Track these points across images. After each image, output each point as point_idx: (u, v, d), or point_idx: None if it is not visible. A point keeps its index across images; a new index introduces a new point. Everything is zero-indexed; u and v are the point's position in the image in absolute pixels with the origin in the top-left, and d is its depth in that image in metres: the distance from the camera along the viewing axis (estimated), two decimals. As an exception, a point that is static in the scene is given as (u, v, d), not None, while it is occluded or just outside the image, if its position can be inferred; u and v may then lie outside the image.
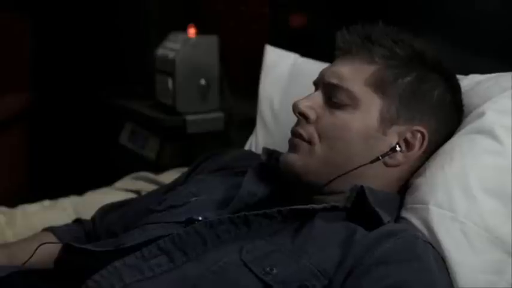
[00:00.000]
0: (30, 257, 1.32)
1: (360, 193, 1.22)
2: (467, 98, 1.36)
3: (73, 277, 1.14)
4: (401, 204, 1.30)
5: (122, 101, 2.62)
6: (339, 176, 1.26)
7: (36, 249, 1.31)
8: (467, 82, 1.41)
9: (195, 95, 2.35)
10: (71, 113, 2.92)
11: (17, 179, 2.83)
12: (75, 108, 2.91)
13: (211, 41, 2.36)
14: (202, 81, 2.35)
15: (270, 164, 1.39)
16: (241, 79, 2.38)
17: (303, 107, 1.30)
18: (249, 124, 1.94)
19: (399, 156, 1.28)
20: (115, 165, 2.40)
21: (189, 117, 2.34)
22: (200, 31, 2.37)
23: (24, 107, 2.85)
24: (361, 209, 1.21)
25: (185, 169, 1.86)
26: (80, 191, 1.81)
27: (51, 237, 1.49)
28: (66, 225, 1.55)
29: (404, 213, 1.28)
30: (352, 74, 1.29)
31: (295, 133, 1.31)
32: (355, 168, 1.26)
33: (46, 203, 1.77)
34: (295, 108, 1.30)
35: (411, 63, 1.30)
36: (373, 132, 1.27)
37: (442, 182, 1.24)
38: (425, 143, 1.28)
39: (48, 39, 2.90)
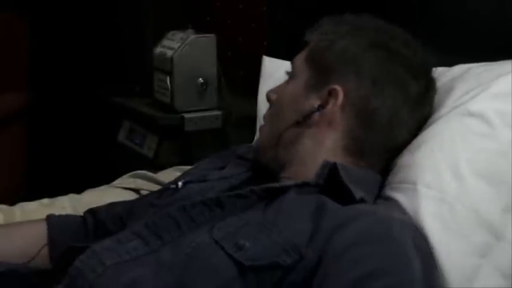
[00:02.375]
0: (32, 259, 1.31)
1: (332, 169, 1.21)
2: (458, 82, 1.36)
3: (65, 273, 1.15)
4: (383, 184, 1.30)
5: (120, 99, 2.62)
6: (277, 146, 1.34)
7: (39, 251, 1.31)
8: (457, 70, 1.41)
9: (193, 93, 2.35)
10: (69, 111, 2.93)
11: (16, 177, 2.84)
12: (74, 107, 2.92)
13: (210, 40, 2.36)
14: (201, 80, 2.35)
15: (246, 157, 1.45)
16: (239, 77, 2.39)
17: (268, 91, 1.43)
18: (247, 122, 1.95)
19: (316, 116, 1.32)
20: (113, 164, 2.40)
21: (187, 116, 2.34)
22: (198, 30, 2.38)
23: (23, 105, 2.86)
24: (334, 186, 1.20)
25: (183, 167, 1.87)
26: (78, 189, 1.82)
27: (43, 227, 1.46)
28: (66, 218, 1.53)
29: (390, 192, 1.26)
30: (300, 54, 1.39)
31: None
32: (281, 134, 1.34)
33: (45, 201, 1.77)
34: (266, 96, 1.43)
35: (347, 34, 1.36)
36: (298, 98, 1.35)
37: (432, 164, 1.24)
38: (340, 98, 1.30)
39: (47, 38, 2.91)
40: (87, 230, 1.47)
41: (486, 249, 1.19)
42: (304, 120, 1.32)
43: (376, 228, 1.10)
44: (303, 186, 1.21)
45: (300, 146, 1.32)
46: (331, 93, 1.31)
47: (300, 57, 1.39)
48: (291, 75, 1.39)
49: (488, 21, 1.54)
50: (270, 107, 1.41)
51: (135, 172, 1.94)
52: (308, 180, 1.22)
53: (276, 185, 1.22)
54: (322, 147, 1.31)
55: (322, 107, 1.31)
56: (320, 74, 1.34)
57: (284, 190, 1.20)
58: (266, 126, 1.40)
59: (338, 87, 1.30)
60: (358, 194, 1.18)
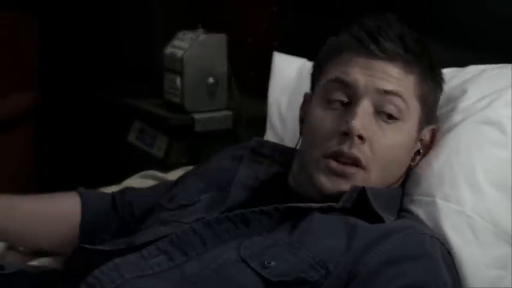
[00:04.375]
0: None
1: (361, 193, 1.21)
2: (471, 86, 1.35)
3: (80, 278, 1.14)
4: (403, 194, 1.30)
5: (130, 100, 2.61)
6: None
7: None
8: (470, 71, 1.40)
9: (203, 93, 2.35)
10: (78, 111, 2.92)
11: (25, 177, 2.84)
12: (83, 107, 2.91)
13: (220, 40, 2.35)
14: (211, 80, 2.34)
15: (261, 152, 1.38)
16: (250, 78, 2.38)
17: (361, 127, 1.21)
18: (257, 122, 1.94)
19: (418, 157, 1.30)
20: (123, 164, 2.40)
21: (197, 116, 2.34)
22: (208, 29, 2.37)
23: (31, 105, 2.85)
24: (362, 210, 1.20)
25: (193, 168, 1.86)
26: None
27: (76, 199, 1.49)
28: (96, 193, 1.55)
29: (410, 205, 1.27)
30: (403, 84, 1.24)
31: (350, 157, 1.22)
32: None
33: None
34: (353, 131, 1.21)
35: (430, 70, 1.30)
36: (413, 142, 1.28)
37: (449, 175, 1.24)
38: (435, 138, 1.30)
39: (55, 38, 2.91)
40: (117, 211, 1.49)
41: (507, 260, 1.19)
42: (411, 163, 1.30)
43: (409, 245, 1.12)
44: (328, 209, 1.20)
45: (395, 182, 1.31)
46: (429, 134, 1.31)
47: (407, 87, 1.25)
48: (397, 115, 1.24)
49: (501, 18, 1.53)
50: (367, 147, 1.23)
51: (145, 172, 1.94)
52: (334, 204, 1.20)
53: (302, 205, 1.20)
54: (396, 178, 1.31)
55: (425, 148, 1.31)
56: (429, 114, 1.30)
57: (308, 211, 1.19)
58: (375, 174, 1.24)
59: (436, 128, 1.31)
60: (388, 218, 1.20)
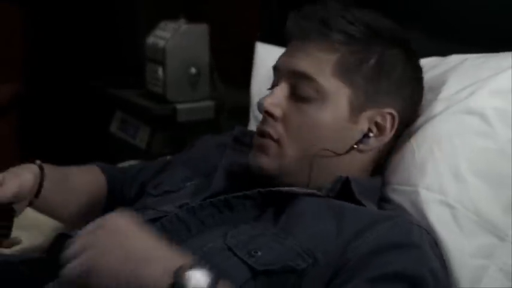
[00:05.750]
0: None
1: (345, 184, 1.21)
2: (453, 75, 1.34)
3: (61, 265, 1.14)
4: (382, 183, 1.30)
5: (112, 90, 2.61)
6: (311, 172, 1.23)
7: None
8: (453, 60, 1.40)
9: (185, 83, 2.35)
10: (62, 101, 2.92)
11: (8, 167, 2.82)
12: (66, 97, 2.90)
13: (202, 30, 2.35)
14: (193, 70, 2.34)
15: (243, 140, 1.38)
16: (232, 67, 2.38)
17: (268, 105, 1.25)
18: (239, 112, 1.94)
19: (372, 141, 1.27)
20: (106, 154, 2.39)
21: (180, 106, 2.34)
22: (190, 19, 2.37)
23: (16, 95, 2.84)
24: (345, 198, 1.20)
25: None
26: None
27: (98, 171, 1.55)
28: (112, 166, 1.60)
29: (391, 194, 1.28)
30: (318, 65, 1.24)
31: (263, 133, 1.26)
32: (331, 159, 1.24)
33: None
34: (260, 107, 1.26)
35: (370, 43, 1.26)
36: (344, 123, 1.24)
37: (432, 165, 1.24)
38: (396, 123, 1.27)
39: (40, 29, 2.89)
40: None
41: (490, 250, 1.19)
42: (356, 146, 1.26)
43: (397, 234, 1.12)
44: (311, 195, 1.20)
45: (342, 168, 1.25)
46: (385, 117, 1.27)
47: (322, 67, 1.24)
48: (315, 96, 1.24)
49: (484, 7, 1.53)
50: (281, 125, 1.25)
51: (128, 162, 1.93)
52: (318, 192, 1.20)
53: (283, 189, 1.20)
54: (358, 166, 1.29)
55: (378, 131, 1.27)
56: (366, 94, 1.25)
57: (291, 196, 1.19)
58: (291, 149, 1.24)
59: (393, 111, 1.27)
60: (370, 207, 1.20)
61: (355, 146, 1.25)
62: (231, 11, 2.45)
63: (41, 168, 1.39)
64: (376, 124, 1.26)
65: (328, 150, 1.23)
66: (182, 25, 2.35)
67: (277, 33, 1.91)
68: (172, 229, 1.16)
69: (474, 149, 1.24)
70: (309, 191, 1.20)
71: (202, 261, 0.95)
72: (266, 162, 1.25)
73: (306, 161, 1.23)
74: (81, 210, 1.46)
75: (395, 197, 1.27)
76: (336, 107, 1.24)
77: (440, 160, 1.24)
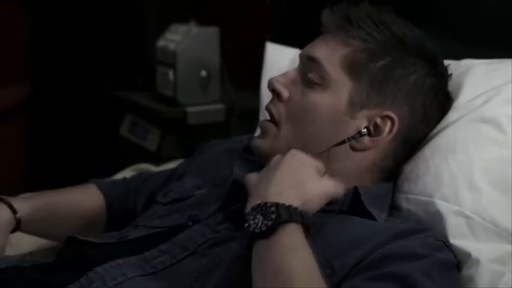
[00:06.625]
0: None
1: (355, 194, 1.21)
2: (467, 81, 1.33)
3: (72, 270, 1.14)
4: (394, 190, 1.29)
5: (122, 93, 2.61)
6: None
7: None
8: (465, 64, 1.38)
9: (195, 86, 2.35)
10: (71, 104, 2.92)
11: (18, 171, 2.83)
12: (76, 100, 2.91)
13: (212, 33, 2.35)
14: (203, 73, 2.35)
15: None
16: (242, 70, 2.38)
17: (277, 83, 1.28)
18: (249, 115, 1.94)
19: (366, 141, 1.24)
20: (116, 157, 2.39)
21: (190, 109, 2.34)
22: (200, 22, 2.37)
23: (24, 98, 2.85)
24: (355, 209, 1.20)
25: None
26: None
27: (95, 189, 1.54)
28: (111, 180, 1.59)
29: (404, 203, 1.26)
30: (328, 53, 1.26)
31: (267, 109, 1.29)
32: (323, 151, 1.23)
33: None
34: (269, 85, 1.29)
35: (387, 47, 1.26)
36: (340, 115, 1.24)
37: (447, 174, 1.23)
38: (395, 129, 1.24)
39: (49, 31, 2.90)
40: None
41: (506, 257, 1.18)
42: (347, 141, 1.24)
43: (420, 246, 1.12)
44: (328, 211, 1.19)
45: (333, 163, 1.23)
46: (384, 120, 1.25)
47: (332, 57, 1.26)
48: (319, 81, 1.25)
49: (497, 11, 1.52)
50: (284, 106, 1.27)
51: (138, 165, 1.94)
52: (328, 208, 1.18)
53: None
54: (351, 165, 1.26)
55: (370, 131, 1.25)
56: (368, 92, 1.24)
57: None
58: (285, 131, 1.26)
59: (394, 116, 1.25)
60: (380, 217, 1.20)
61: (346, 140, 1.24)
62: (241, 14, 2.45)
63: (10, 206, 1.38)
64: (375, 125, 1.25)
65: (320, 138, 1.24)
66: (193, 28, 2.35)
67: (286, 34, 1.91)
68: (189, 240, 1.17)
69: (490, 159, 1.23)
70: (322, 208, 1.16)
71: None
72: (260, 143, 1.28)
73: (298, 146, 1.21)
74: (77, 231, 1.45)
75: (409, 206, 1.26)
76: (335, 97, 1.24)
77: (456, 170, 1.23)
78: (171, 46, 2.33)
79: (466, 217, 1.19)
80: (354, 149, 1.25)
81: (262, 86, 1.83)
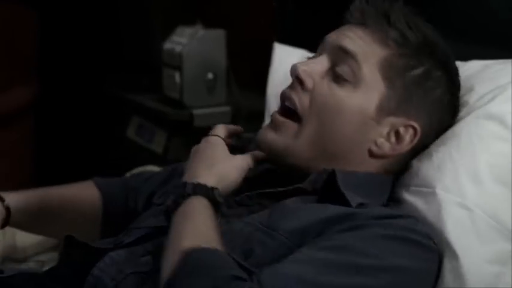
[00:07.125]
0: None
1: (331, 176, 1.18)
2: (476, 82, 1.33)
3: (77, 275, 1.14)
4: (395, 185, 1.27)
5: (129, 95, 2.62)
6: (322, 158, 1.21)
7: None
8: (473, 66, 1.39)
9: (202, 88, 2.35)
10: (77, 106, 2.92)
11: (24, 172, 2.83)
12: (82, 102, 2.91)
13: (219, 35, 2.35)
14: (210, 75, 2.35)
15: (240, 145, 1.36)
16: (249, 73, 2.38)
17: (302, 71, 1.22)
18: (256, 118, 1.94)
19: (386, 148, 1.23)
20: (122, 159, 2.40)
21: (196, 111, 2.34)
22: (207, 25, 2.37)
23: (31, 99, 2.85)
24: (332, 193, 1.17)
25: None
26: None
27: (92, 185, 1.53)
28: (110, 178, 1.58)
29: (407, 196, 1.25)
30: (365, 50, 1.22)
31: (287, 97, 1.23)
32: (341, 154, 1.22)
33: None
34: (293, 71, 1.23)
35: (421, 54, 1.24)
36: (367, 119, 1.21)
37: (450, 167, 1.22)
38: (416, 139, 1.23)
39: (55, 32, 2.90)
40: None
41: (507, 256, 1.17)
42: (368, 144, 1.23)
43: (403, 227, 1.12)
44: (299, 192, 1.18)
45: (347, 165, 1.22)
46: (408, 129, 1.23)
47: (369, 55, 1.21)
48: (350, 78, 1.21)
49: (503, 10, 1.52)
50: (308, 97, 1.22)
51: (144, 168, 1.93)
52: (302, 185, 1.19)
53: (270, 191, 1.20)
54: (364, 169, 1.24)
55: (397, 140, 1.23)
56: (399, 100, 1.22)
57: (281, 195, 1.18)
58: (309, 129, 1.21)
59: (418, 127, 1.23)
60: (355, 200, 1.16)
61: (374, 148, 1.22)
62: (247, 16, 2.45)
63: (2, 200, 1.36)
64: (396, 133, 1.23)
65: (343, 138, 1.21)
66: (199, 30, 2.35)
67: (292, 36, 1.91)
68: None
69: (494, 154, 1.22)
70: (292, 187, 1.18)
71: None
72: (274, 137, 1.23)
73: (318, 146, 1.20)
74: (73, 228, 1.44)
75: (409, 197, 1.24)
76: (365, 98, 1.21)
77: (459, 162, 1.22)
78: (178, 48, 2.33)
79: (468, 209, 1.18)
80: (372, 154, 1.23)
81: (269, 88, 1.83)
